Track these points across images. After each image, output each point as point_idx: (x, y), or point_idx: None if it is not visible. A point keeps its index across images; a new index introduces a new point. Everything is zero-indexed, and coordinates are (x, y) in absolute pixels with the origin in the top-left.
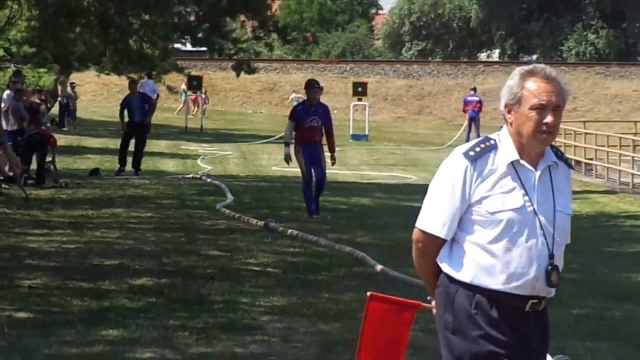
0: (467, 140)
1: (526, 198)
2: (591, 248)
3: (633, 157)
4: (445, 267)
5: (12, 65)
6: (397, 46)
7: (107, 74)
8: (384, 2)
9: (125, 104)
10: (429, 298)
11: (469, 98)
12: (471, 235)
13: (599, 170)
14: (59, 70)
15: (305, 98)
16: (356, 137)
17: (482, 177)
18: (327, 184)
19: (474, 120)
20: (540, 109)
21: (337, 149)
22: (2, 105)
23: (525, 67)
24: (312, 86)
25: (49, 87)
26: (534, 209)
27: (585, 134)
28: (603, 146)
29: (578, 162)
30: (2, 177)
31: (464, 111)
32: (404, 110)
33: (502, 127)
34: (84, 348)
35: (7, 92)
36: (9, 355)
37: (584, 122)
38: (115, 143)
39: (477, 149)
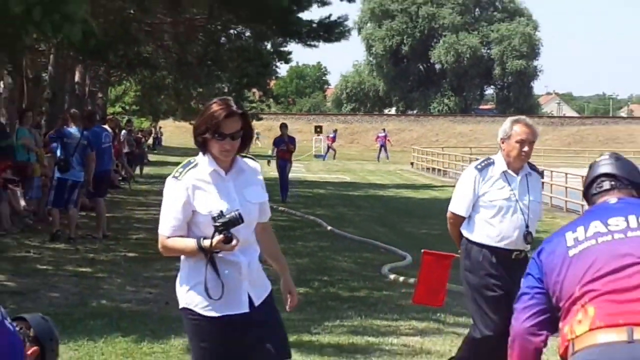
0: (378, 158)
1: (511, 192)
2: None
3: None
4: (465, 233)
5: (126, 117)
6: (339, 105)
7: (179, 121)
8: (332, 80)
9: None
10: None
11: (380, 134)
12: (479, 214)
13: (451, 174)
14: (152, 120)
15: (280, 134)
16: (317, 156)
17: (485, 180)
18: (300, 182)
19: (383, 146)
20: (521, 142)
21: (305, 162)
22: (122, 138)
23: (514, 118)
24: (282, 127)
25: (147, 129)
26: (516, 199)
27: (443, 154)
28: (453, 160)
29: (437, 170)
30: (120, 178)
31: (376, 141)
32: (343, 141)
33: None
34: (168, 272)
35: (124, 131)
36: (125, 276)
37: (443, 147)
38: (181, 160)
39: (483, 164)
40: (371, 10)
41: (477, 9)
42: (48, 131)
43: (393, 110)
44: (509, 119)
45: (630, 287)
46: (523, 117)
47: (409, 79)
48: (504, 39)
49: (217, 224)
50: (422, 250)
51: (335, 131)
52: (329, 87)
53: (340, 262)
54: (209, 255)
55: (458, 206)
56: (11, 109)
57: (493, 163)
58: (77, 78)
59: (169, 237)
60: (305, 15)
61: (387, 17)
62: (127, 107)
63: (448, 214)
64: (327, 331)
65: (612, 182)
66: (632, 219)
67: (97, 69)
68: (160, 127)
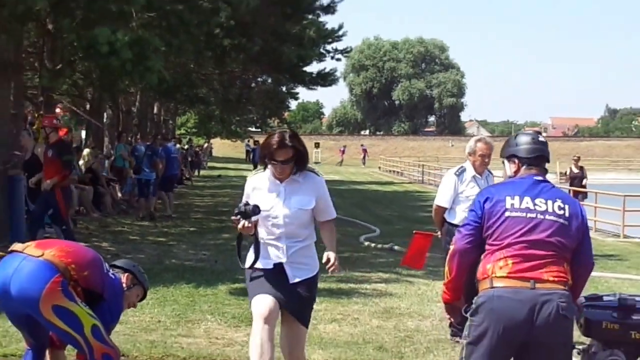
0: (364, 162)
1: (478, 189)
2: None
3: (420, 169)
4: (448, 219)
5: (188, 137)
6: (330, 129)
7: (224, 139)
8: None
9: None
10: (437, 232)
11: (362, 147)
12: (459, 206)
13: (405, 174)
14: (206, 138)
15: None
16: (316, 163)
17: (462, 182)
18: None
19: (365, 153)
20: (482, 156)
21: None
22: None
23: (477, 137)
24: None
25: (203, 145)
26: None
27: (400, 161)
28: (407, 166)
29: (396, 172)
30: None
31: (362, 152)
32: (333, 152)
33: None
34: (216, 240)
35: (185, 146)
36: (187, 243)
37: (400, 157)
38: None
39: (459, 171)
40: (352, 64)
41: (423, 63)
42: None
43: (367, 132)
44: (474, 139)
45: (539, 256)
46: (483, 136)
47: (377, 111)
48: (441, 83)
49: (235, 211)
50: (414, 231)
51: (344, 147)
52: (324, 116)
53: None
54: (245, 235)
55: (442, 200)
56: (112, 132)
57: (465, 170)
58: (155, 110)
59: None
60: (308, 68)
61: (363, 69)
62: (189, 130)
63: (434, 206)
64: (322, 280)
65: (537, 160)
66: (550, 203)
67: (168, 104)
68: (211, 144)
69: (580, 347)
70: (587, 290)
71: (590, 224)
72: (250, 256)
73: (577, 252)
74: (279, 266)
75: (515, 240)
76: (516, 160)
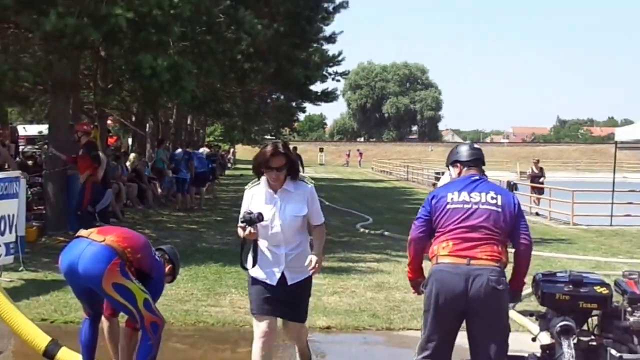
0: (360, 164)
1: None
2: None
3: (405, 169)
4: None
5: (216, 143)
6: (332, 137)
7: (245, 145)
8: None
9: None
10: None
11: (358, 151)
12: None
13: (393, 174)
14: (230, 144)
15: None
16: (320, 164)
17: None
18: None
19: (360, 158)
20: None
21: (312, 167)
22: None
23: (466, 142)
24: (294, 149)
25: (228, 150)
26: None
27: (389, 163)
28: (394, 166)
29: (386, 172)
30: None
31: (358, 156)
32: (335, 156)
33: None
34: (232, 229)
35: (203, 150)
36: (215, 230)
37: (389, 159)
38: (246, 167)
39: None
40: (349, 84)
41: (407, 83)
42: (173, 152)
43: (362, 139)
44: (459, 145)
45: (474, 238)
46: (468, 142)
47: (370, 122)
48: (422, 99)
49: (240, 219)
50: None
51: (349, 151)
52: (326, 126)
53: (333, 222)
54: (248, 240)
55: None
56: (153, 139)
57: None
58: (188, 121)
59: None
60: (313, 87)
61: (358, 88)
62: (216, 138)
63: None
64: (325, 260)
65: (475, 162)
66: (484, 195)
67: (199, 117)
68: (235, 149)
69: (538, 314)
70: (544, 268)
71: (545, 214)
72: (250, 259)
73: (512, 234)
74: (281, 280)
75: (455, 226)
76: (458, 165)
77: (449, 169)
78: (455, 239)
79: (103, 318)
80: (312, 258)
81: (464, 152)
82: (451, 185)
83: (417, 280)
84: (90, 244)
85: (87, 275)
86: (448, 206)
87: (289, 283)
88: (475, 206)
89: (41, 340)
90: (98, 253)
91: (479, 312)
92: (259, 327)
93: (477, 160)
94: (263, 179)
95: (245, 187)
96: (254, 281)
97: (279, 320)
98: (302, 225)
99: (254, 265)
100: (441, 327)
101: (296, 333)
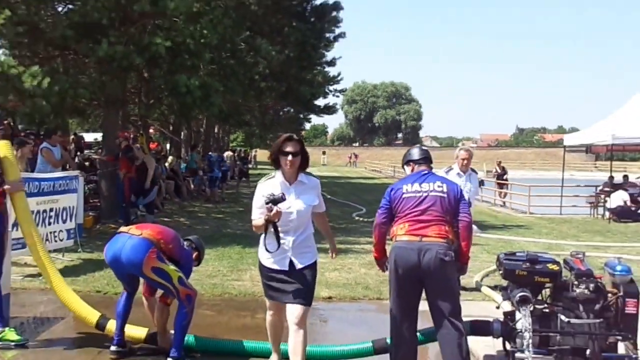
0: (355, 165)
1: (462, 182)
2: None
3: (392, 169)
4: None
5: (239, 148)
6: (333, 142)
7: (262, 150)
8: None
9: None
10: None
11: (355, 154)
12: None
13: (382, 172)
14: (250, 148)
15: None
16: (322, 165)
17: (448, 176)
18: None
19: (355, 160)
20: (464, 159)
21: (316, 167)
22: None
23: (460, 147)
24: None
25: (249, 153)
26: (464, 185)
27: (379, 163)
28: (384, 166)
29: (376, 170)
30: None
31: (355, 158)
32: (335, 157)
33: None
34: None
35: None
36: (237, 218)
37: (379, 160)
38: (267, 166)
39: (447, 169)
40: (347, 99)
41: (394, 98)
42: (204, 155)
43: (357, 144)
44: (459, 147)
45: (425, 220)
46: (465, 146)
47: (364, 130)
48: (406, 112)
49: (266, 199)
50: None
51: (351, 154)
52: (328, 134)
53: (333, 211)
54: (270, 225)
55: None
56: (187, 145)
57: (452, 169)
58: (216, 130)
59: (254, 220)
60: (317, 102)
61: (354, 102)
62: (238, 143)
63: None
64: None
65: (424, 160)
66: (432, 185)
67: (225, 126)
68: (255, 152)
69: (501, 287)
70: (505, 249)
71: (508, 204)
72: (271, 242)
73: (456, 214)
74: (290, 265)
75: (410, 210)
76: (411, 163)
77: (403, 168)
78: (410, 221)
79: (143, 297)
80: (332, 247)
81: (415, 153)
82: (406, 179)
83: (382, 259)
84: (130, 237)
85: (130, 263)
86: (404, 195)
87: (297, 267)
88: (425, 194)
89: (92, 316)
90: (137, 245)
91: (431, 279)
92: (270, 306)
93: (425, 159)
94: (278, 173)
95: (260, 181)
96: (265, 269)
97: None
98: (310, 214)
99: (278, 247)
100: (402, 291)
101: (299, 315)
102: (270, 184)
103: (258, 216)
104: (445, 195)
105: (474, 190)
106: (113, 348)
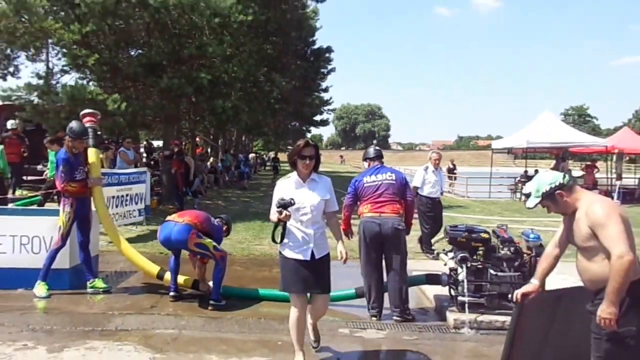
0: (343, 163)
1: (436, 177)
2: None
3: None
4: (419, 192)
5: (260, 152)
6: (327, 148)
7: (281, 153)
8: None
9: None
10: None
11: (341, 156)
12: (424, 185)
13: (364, 169)
14: (268, 152)
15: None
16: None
17: (426, 173)
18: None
19: (343, 160)
20: (435, 159)
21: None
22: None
23: (432, 150)
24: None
25: (268, 154)
26: (437, 179)
27: (360, 163)
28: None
29: (360, 167)
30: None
31: (342, 158)
32: (329, 158)
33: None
34: (270, 200)
35: (252, 155)
36: (259, 201)
37: (360, 161)
38: (286, 166)
39: (425, 167)
40: (336, 116)
41: (370, 115)
42: (235, 156)
43: (344, 148)
44: (431, 151)
45: (382, 201)
46: (436, 150)
47: (348, 139)
48: (379, 125)
49: (277, 203)
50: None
51: (341, 156)
52: (323, 141)
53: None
54: (281, 221)
55: (417, 182)
56: (222, 149)
57: (428, 167)
58: (243, 138)
59: (271, 214)
60: (316, 118)
61: (341, 118)
62: (259, 148)
63: (412, 186)
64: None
65: (377, 157)
66: (385, 175)
67: (249, 135)
68: (277, 154)
69: (448, 250)
70: (450, 223)
71: (451, 191)
72: (280, 236)
73: (403, 195)
74: (311, 255)
75: (370, 195)
76: (368, 160)
77: (364, 163)
78: (371, 203)
79: (188, 258)
80: (341, 251)
81: (370, 152)
82: (365, 173)
83: (347, 230)
84: (175, 224)
85: (178, 242)
86: (365, 185)
87: (317, 257)
88: (380, 182)
89: (154, 269)
90: (181, 229)
91: (389, 242)
92: (295, 302)
93: (378, 156)
94: (293, 173)
95: (277, 180)
96: (287, 261)
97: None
98: (323, 209)
99: (281, 241)
100: (371, 252)
101: (323, 304)
102: (286, 183)
103: (274, 213)
104: (395, 182)
105: (442, 182)
106: (172, 293)
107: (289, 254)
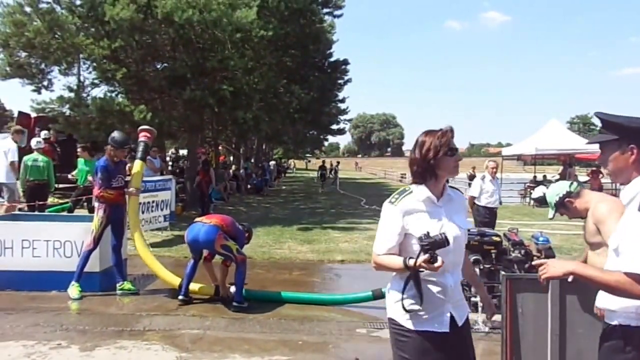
0: (357, 168)
1: (492, 186)
2: None
3: (384, 172)
4: (476, 202)
5: (279, 159)
6: (343, 155)
7: (297, 160)
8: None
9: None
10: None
11: (357, 163)
12: (482, 195)
13: (377, 175)
14: (287, 160)
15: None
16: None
17: (484, 182)
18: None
19: (357, 166)
20: (492, 168)
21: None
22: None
23: (489, 159)
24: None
25: (287, 162)
26: None
27: (375, 169)
28: (378, 170)
29: (375, 174)
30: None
31: (357, 165)
32: (343, 165)
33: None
34: (295, 206)
35: (272, 162)
36: (279, 207)
37: (374, 167)
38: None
39: (482, 177)
40: (353, 125)
41: (385, 124)
42: (256, 164)
43: (360, 156)
44: (487, 160)
45: None
46: (492, 159)
47: (364, 146)
48: (394, 133)
49: (423, 243)
50: None
51: (356, 162)
52: (340, 149)
53: (344, 201)
54: (413, 273)
55: (474, 192)
56: (244, 157)
57: (485, 176)
58: (264, 147)
59: (380, 255)
60: (333, 127)
61: (357, 127)
62: (280, 156)
63: (468, 196)
64: (339, 222)
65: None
66: None
67: (270, 144)
68: (293, 161)
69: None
70: None
71: (466, 196)
72: (396, 308)
73: None
74: (451, 323)
75: None
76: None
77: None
78: None
79: (204, 261)
80: (490, 302)
81: None
82: None
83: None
84: (203, 225)
85: (205, 242)
86: None
87: (459, 324)
88: None
89: (175, 280)
90: (209, 230)
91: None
92: None
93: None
94: (416, 187)
95: (389, 202)
96: (413, 336)
97: None
98: (464, 243)
99: (421, 304)
100: None
101: None
102: (409, 207)
103: (390, 251)
104: None
105: (499, 191)
106: (180, 297)
107: (413, 324)
